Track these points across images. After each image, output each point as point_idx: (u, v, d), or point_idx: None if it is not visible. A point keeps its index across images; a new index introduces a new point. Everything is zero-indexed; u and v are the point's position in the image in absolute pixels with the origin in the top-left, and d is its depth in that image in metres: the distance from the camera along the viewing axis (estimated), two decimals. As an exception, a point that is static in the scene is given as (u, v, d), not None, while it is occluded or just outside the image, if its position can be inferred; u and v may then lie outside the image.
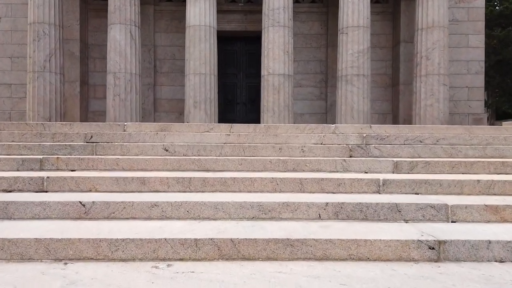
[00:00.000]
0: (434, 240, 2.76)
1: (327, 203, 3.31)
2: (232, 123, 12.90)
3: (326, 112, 11.76)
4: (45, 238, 2.71)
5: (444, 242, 2.74)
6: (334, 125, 5.17)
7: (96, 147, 4.54)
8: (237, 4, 11.72)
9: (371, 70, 9.65)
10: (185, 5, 9.93)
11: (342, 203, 3.31)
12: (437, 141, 5.18)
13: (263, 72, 9.82)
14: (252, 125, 5.17)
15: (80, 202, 3.29)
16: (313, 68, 11.81)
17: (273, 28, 9.69)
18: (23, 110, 11.28)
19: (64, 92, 10.95)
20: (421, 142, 4.83)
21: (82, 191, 3.78)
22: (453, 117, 11.42)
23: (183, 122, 9.76)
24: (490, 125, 21.76)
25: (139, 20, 9.90)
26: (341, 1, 9.83)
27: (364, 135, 4.75)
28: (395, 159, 4.17)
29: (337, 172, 4.09)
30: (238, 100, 12.52)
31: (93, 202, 3.29)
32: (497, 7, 23.44)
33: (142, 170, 3.99)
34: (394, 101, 11.69)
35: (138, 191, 3.74)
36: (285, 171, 4.05)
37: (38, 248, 2.70)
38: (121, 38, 9.59)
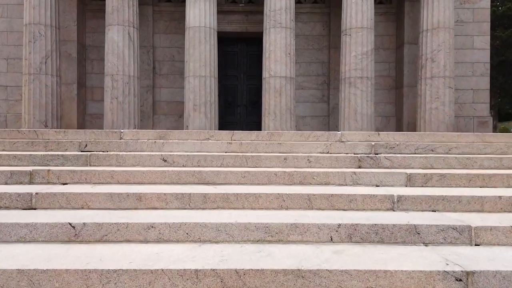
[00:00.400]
0: (462, 271, 2.49)
1: (339, 225, 3.03)
2: (233, 126, 12.67)
3: (328, 114, 11.50)
4: (29, 269, 2.43)
5: (473, 273, 2.47)
6: (340, 132, 4.90)
7: (91, 157, 4.25)
8: (238, 5, 11.44)
9: (374, 72, 9.39)
10: (184, 6, 9.65)
11: (356, 224, 3.04)
12: (449, 150, 4.93)
13: (265, 74, 9.55)
14: (254, 133, 4.90)
15: (70, 224, 3.01)
16: (315, 70, 11.54)
17: (275, 29, 9.42)
18: (19, 113, 11.00)
19: (61, 95, 10.67)
20: (432, 151, 4.57)
21: (73, 208, 3.51)
22: (457, 120, 11.18)
23: (183, 125, 9.49)
24: (493, 127, 21.45)
25: (138, 21, 9.62)
26: (344, 2, 9.56)
27: (373, 143, 4.49)
28: (408, 171, 3.90)
29: (347, 185, 3.82)
30: (239, 103, 12.25)
31: (84, 223, 3.01)
32: (500, 8, 23.19)
33: (138, 183, 3.72)
34: (398, 103, 11.43)
35: (134, 208, 3.47)
36: (291, 184, 3.77)
37: (21, 280, 2.43)
38: (119, 39, 9.31)
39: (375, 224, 3.04)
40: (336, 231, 3.03)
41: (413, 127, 10.94)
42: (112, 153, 4.22)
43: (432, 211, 3.51)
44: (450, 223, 3.09)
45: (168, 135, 4.89)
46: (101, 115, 10.97)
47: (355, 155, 4.22)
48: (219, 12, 11.06)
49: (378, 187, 3.76)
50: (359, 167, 4.05)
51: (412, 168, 4.17)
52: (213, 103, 9.45)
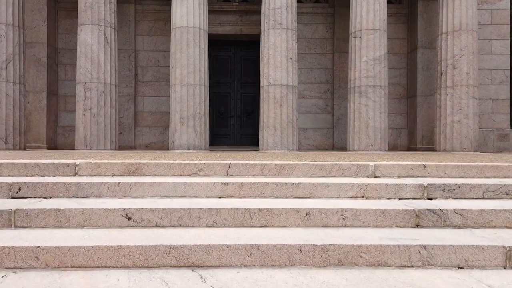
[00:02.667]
0: None
1: None
2: (226, 139, 11.39)
3: (332, 126, 10.29)
4: None
5: None
6: (372, 163, 3.66)
7: (17, 214, 2.73)
8: (231, 4, 10.21)
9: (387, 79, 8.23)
10: (170, 5, 8.39)
11: None
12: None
13: (263, 82, 8.31)
14: (258, 164, 3.64)
15: None
16: (317, 77, 10.34)
17: (274, 30, 8.21)
18: (-20, 125, 9.58)
19: (27, 105, 9.31)
20: (507, 194, 3.36)
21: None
22: (477, 133, 10.04)
23: (168, 139, 8.20)
24: None
25: (116, 21, 8.33)
26: (353, 0, 8.39)
27: (425, 184, 3.19)
28: (506, 245, 2.55)
29: (413, 267, 2.44)
30: (232, 113, 10.99)
31: None
32: None
33: (79, 267, 2.38)
34: (410, 114, 10.27)
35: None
36: (325, 266, 2.44)
37: None
38: (93, 41, 8.00)
39: None
40: None
41: (428, 142, 9.78)
42: (54, 202, 2.80)
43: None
44: None
45: (141, 169, 3.60)
46: (75, 127, 9.64)
47: (405, 203, 2.93)
48: (211, 11, 9.83)
49: (463, 271, 2.45)
50: (418, 225, 2.79)
51: (494, 227, 2.91)
52: (203, 115, 8.18)
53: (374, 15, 8.23)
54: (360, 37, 8.27)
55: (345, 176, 3.63)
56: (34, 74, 9.43)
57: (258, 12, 10.16)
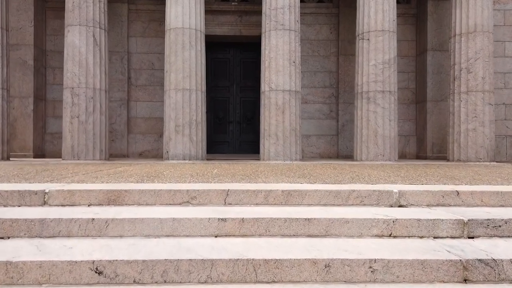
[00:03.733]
0: None
1: None
2: (224, 146, 10.79)
3: (337, 133, 9.73)
4: None
5: None
6: (396, 190, 3.10)
7: None
8: (230, 4, 9.65)
9: (396, 84, 7.68)
10: (165, 4, 7.85)
11: None
12: None
13: (264, 87, 7.75)
14: (262, 191, 3.06)
15: None
16: (321, 81, 9.79)
17: (276, 32, 7.65)
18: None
19: (12, 111, 8.73)
20: None
21: None
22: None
23: (162, 148, 7.60)
24: None
25: (106, 21, 7.77)
26: (360, 0, 7.84)
27: (465, 220, 2.55)
28: None
29: None
30: (231, 118, 10.43)
31: None
32: None
33: None
34: (419, 121, 9.72)
35: None
36: None
37: None
38: (81, 43, 7.44)
39: None
40: None
41: (439, 150, 9.23)
42: (1, 257, 2.18)
43: None
44: None
45: (123, 197, 3.02)
46: (64, 135, 9.05)
47: (443, 244, 2.33)
48: (208, 11, 9.27)
49: None
50: (466, 280, 2.20)
51: None
52: (199, 123, 7.62)
53: (383, 15, 7.68)
54: (368, 39, 7.72)
55: (364, 205, 3.07)
56: (20, 78, 8.85)
57: (259, 13, 9.60)
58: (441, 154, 9.21)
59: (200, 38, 7.70)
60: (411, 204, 3.08)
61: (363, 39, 7.80)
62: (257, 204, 3.06)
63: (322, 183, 3.50)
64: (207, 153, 9.83)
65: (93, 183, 3.39)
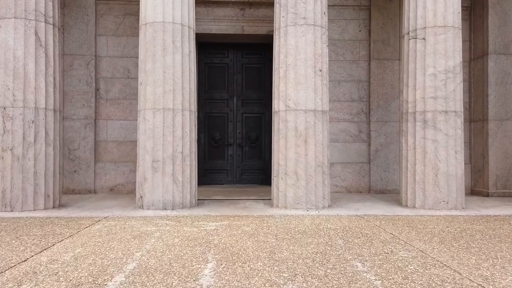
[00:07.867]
0: None
1: None
2: (221, 175, 8.49)
3: (368, 161, 7.50)
4: None
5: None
6: None
7: None
8: (229, -8, 7.41)
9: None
10: (137, -14, 5.62)
11: None
12: None
13: (278, 105, 5.53)
14: None
15: None
16: (347, 93, 7.57)
17: (296, 28, 5.43)
18: None
19: None
20: None
21: None
22: None
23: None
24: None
25: (58, 13, 5.52)
26: (410, -16, 5.65)
27: None
28: None
29: None
30: (231, 140, 8.18)
31: None
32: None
33: None
34: (475, 145, 7.51)
35: None
36: None
37: None
38: (16, 44, 5.18)
39: None
40: None
41: (504, 185, 7.02)
42: None
43: None
44: None
45: None
46: None
47: None
48: (201, 2, 7.06)
49: None
50: None
51: None
52: (187, 156, 5.37)
53: (445, 5, 5.48)
54: (424, 38, 5.51)
55: None
56: None
57: (267, 4, 7.38)
58: (508, 190, 7.01)
59: (189, 36, 5.46)
60: None
61: (415, 38, 5.59)
62: None
63: None
64: (199, 184, 7.58)
65: None
